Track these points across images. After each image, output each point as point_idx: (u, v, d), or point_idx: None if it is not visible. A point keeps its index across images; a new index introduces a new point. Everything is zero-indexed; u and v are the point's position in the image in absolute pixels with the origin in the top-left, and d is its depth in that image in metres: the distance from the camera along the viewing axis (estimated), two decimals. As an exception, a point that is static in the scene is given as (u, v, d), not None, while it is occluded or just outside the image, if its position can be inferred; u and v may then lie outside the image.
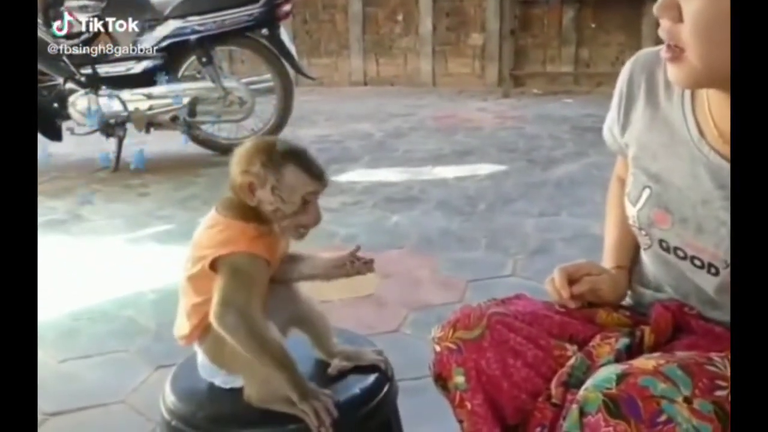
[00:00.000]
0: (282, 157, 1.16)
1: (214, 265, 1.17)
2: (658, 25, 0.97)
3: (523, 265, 2.69)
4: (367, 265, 1.34)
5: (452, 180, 3.86)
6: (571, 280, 1.18)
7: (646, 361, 0.96)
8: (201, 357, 1.26)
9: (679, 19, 0.90)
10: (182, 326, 1.25)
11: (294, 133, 4.77)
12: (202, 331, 1.22)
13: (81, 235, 3.15)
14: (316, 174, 1.19)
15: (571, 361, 1.08)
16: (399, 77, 6.59)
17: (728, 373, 0.95)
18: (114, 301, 2.46)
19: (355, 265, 1.33)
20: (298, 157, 1.18)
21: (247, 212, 1.18)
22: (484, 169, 4.05)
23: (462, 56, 6.45)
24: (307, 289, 2.63)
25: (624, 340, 1.10)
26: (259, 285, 1.19)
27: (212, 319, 1.15)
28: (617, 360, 1.06)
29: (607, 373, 0.93)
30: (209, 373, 1.24)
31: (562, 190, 3.57)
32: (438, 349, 1.13)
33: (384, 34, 6.53)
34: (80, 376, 1.98)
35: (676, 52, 0.93)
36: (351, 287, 2.57)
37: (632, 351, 1.09)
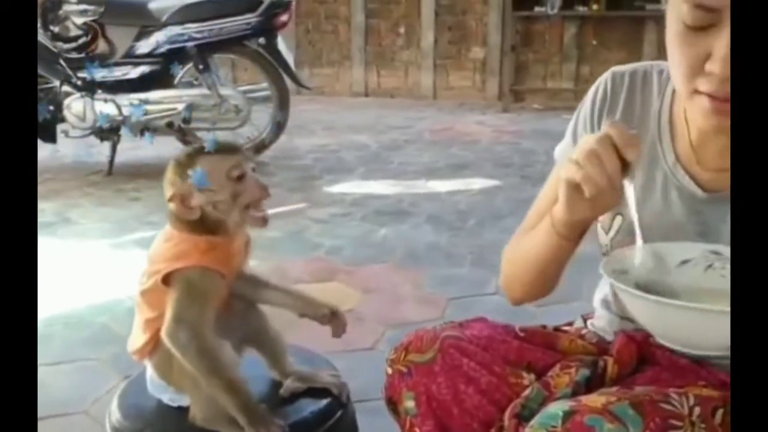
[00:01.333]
0: (190, 157, 1.16)
1: (167, 280, 1.16)
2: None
3: (507, 284, 2.66)
4: (340, 327, 1.34)
5: (444, 194, 3.84)
6: None
7: (596, 398, 0.93)
8: (150, 372, 1.24)
9: None
10: (136, 341, 1.24)
11: (291, 142, 4.78)
12: (153, 346, 1.20)
13: (67, 239, 3.14)
14: (226, 149, 1.18)
15: (527, 392, 1.04)
16: (400, 89, 6.59)
17: (684, 411, 0.91)
18: (90, 307, 2.45)
19: (330, 320, 1.33)
20: (203, 148, 1.18)
21: (197, 225, 1.16)
22: (477, 183, 4.03)
23: (463, 70, 6.44)
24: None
25: (584, 371, 1.06)
26: (212, 300, 1.17)
27: (164, 335, 1.14)
28: (575, 392, 1.03)
29: (554, 409, 0.90)
30: (157, 389, 1.23)
31: (553, 208, 3.54)
32: (390, 371, 1.10)
33: (386, 46, 6.54)
34: (46, 384, 1.96)
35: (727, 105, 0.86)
36: (332, 301, 2.54)
37: (593, 382, 1.06)
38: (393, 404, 1.11)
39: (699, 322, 0.83)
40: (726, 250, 0.92)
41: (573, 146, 1.14)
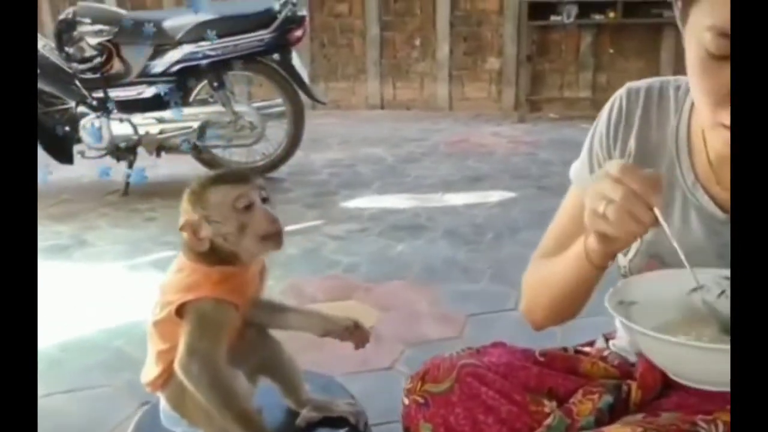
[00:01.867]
0: (201, 186, 1.14)
1: (180, 312, 1.13)
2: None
3: (527, 300, 2.62)
4: (363, 337, 1.31)
5: (461, 207, 3.80)
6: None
7: (621, 429, 0.90)
8: (163, 404, 1.22)
9: None
10: (149, 372, 1.22)
11: (307, 157, 4.77)
12: (167, 378, 1.18)
13: (82, 261, 3.13)
14: (234, 179, 1.16)
15: (549, 420, 1.01)
16: (415, 101, 6.57)
17: None
18: (105, 331, 2.43)
19: (352, 334, 1.30)
20: (216, 176, 1.16)
21: (209, 255, 1.14)
22: (494, 196, 3.98)
23: (479, 81, 6.41)
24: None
25: (607, 398, 1.03)
26: (225, 331, 1.15)
27: (177, 367, 1.12)
28: (598, 420, 1.00)
29: (578, 441, 0.88)
30: (171, 421, 1.20)
31: (573, 219, 3.48)
32: (406, 401, 1.08)
33: (401, 59, 6.52)
34: (62, 412, 1.94)
35: None
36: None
37: (616, 408, 1.03)
38: None
39: (709, 359, 0.79)
40: None
41: (588, 166, 1.11)
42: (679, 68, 0.88)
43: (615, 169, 0.84)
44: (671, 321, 0.90)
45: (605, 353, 1.17)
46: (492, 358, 1.09)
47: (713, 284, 0.92)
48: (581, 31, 6.07)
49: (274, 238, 1.15)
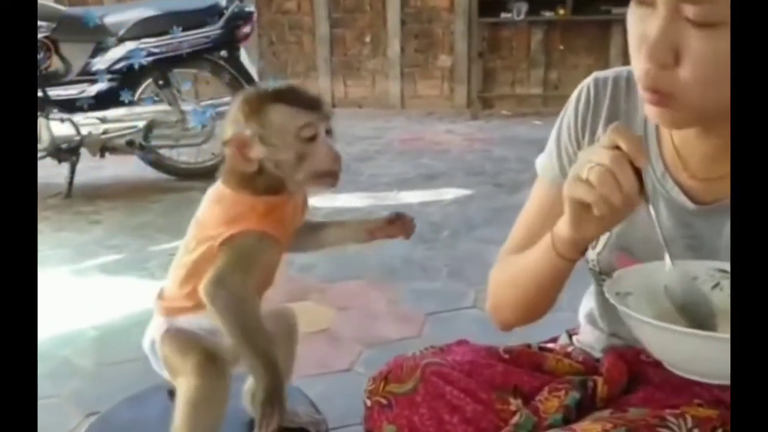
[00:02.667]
0: (262, 99, 1.04)
1: (221, 246, 1.06)
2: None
3: (485, 296, 2.57)
4: (408, 226, 1.22)
5: (417, 205, 3.76)
6: None
7: (591, 426, 0.88)
8: (156, 327, 1.16)
9: (674, 63, 0.79)
10: (173, 293, 1.14)
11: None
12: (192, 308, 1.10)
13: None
14: (305, 103, 1.06)
15: (516, 418, 0.98)
16: (367, 99, 6.53)
17: None
18: (50, 340, 2.31)
19: (396, 225, 1.21)
20: (280, 93, 1.05)
21: (254, 182, 1.05)
22: (450, 193, 3.96)
23: (430, 78, 6.40)
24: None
25: (574, 394, 1.00)
26: (260, 268, 1.08)
27: (202, 293, 1.04)
28: (565, 417, 0.97)
29: (548, 439, 0.84)
30: (152, 353, 1.15)
31: (528, 215, 3.47)
32: (368, 403, 1.04)
33: (352, 56, 6.47)
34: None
35: (664, 97, 0.82)
36: (306, 321, 2.45)
37: (583, 405, 1.00)
38: None
39: (712, 349, 0.76)
40: (729, 267, 0.87)
41: (557, 157, 1.08)
42: (628, 64, 0.86)
43: (608, 132, 0.80)
44: (665, 310, 0.86)
45: (569, 349, 1.16)
46: (456, 356, 1.06)
47: (707, 276, 0.89)
48: (531, 28, 6.11)
49: (331, 176, 1.07)
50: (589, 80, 1.05)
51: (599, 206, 0.80)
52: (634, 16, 0.83)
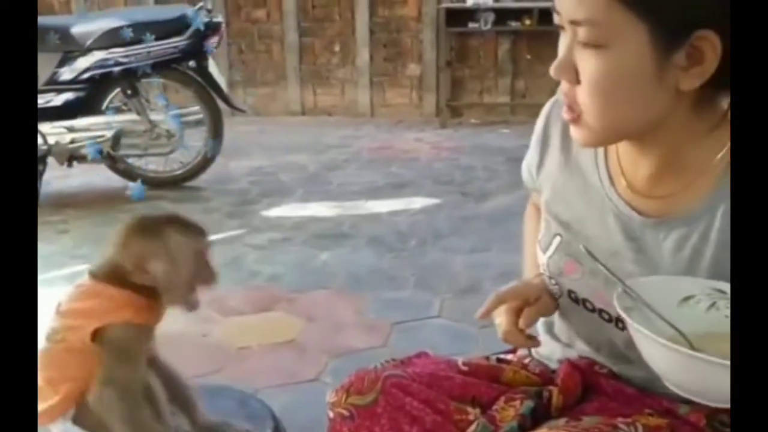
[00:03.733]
0: (158, 225, 1.12)
1: (94, 337, 1.09)
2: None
3: (451, 306, 2.64)
4: None
5: (385, 215, 3.80)
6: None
7: None
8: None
9: (576, 80, 0.87)
10: (46, 400, 1.15)
11: (226, 165, 4.67)
12: (64, 408, 1.12)
13: None
14: (197, 231, 1.15)
15: (473, 427, 1.01)
16: (337, 107, 6.55)
17: None
18: (15, 352, 2.31)
19: None
20: (174, 219, 1.15)
21: (136, 285, 1.11)
22: (418, 202, 4.00)
23: (399, 87, 6.44)
24: (225, 333, 2.53)
25: (529, 403, 1.04)
26: (143, 358, 1.12)
27: (90, 400, 1.07)
28: (520, 425, 1.01)
29: (505, 444, 0.88)
30: None
31: (494, 224, 3.53)
32: (331, 415, 1.06)
33: (321, 65, 6.49)
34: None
35: (575, 113, 0.90)
36: (272, 332, 2.48)
37: (538, 413, 1.04)
38: None
39: (715, 373, 0.75)
40: (727, 287, 0.86)
41: (534, 163, 1.14)
42: None
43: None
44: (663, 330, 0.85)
45: (526, 360, 1.19)
46: (416, 368, 1.09)
47: (704, 296, 0.89)
48: (499, 38, 6.18)
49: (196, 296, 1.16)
50: (550, 101, 1.12)
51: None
52: (559, 41, 0.91)
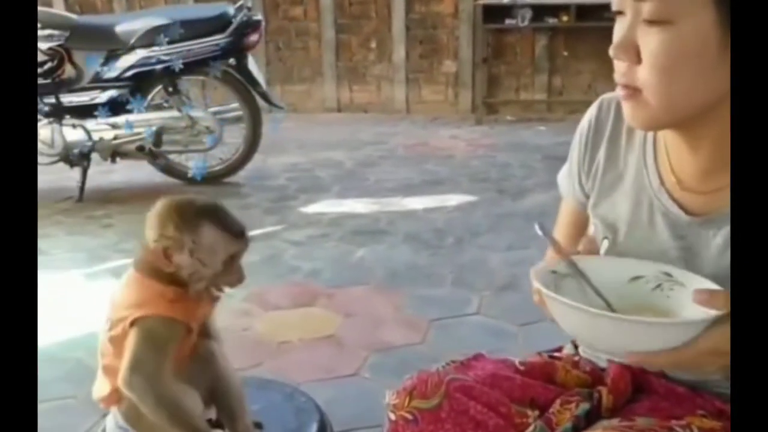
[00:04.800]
0: (197, 215, 1.11)
1: (132, 326, 1.12)
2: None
3: (489, 303, 2.64)
4: None
5: (421, 211, 3.81)
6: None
7: None
8: (112, 421, 1.19)
9: (637, 60, 0.88)
10: (101, 388, 1.19)
11: (264, 162, 4.73)
12: (121, 394, 1.16)
13: (38, 270, 3.05)
14: (236, 232, 1.14)
15: (530, 430, 1.02)
16: (373, 104, 6.57)
17: None
18: (64, 343, 2.38)
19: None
20: (214, 214, 1.13)
21: (165, 274, 1.12)
22: (454, 199, 4.00)
23: (435, 84, 6.44)
24: (265, 328, 2.56)
25: (584, 405, 1.05)
26: (172, 350, 1.13)
27: (120, 383, 1.10)
28: (576, 427, 1.02)
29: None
30: None
31: (531, 221, 3.48)
32: (393, 417, 1.06)
33: (357, 62, 6.51)
34: (20, 428, 1.89)
35: (633, 92, 0.91)
36: (311, 327, 2.51)
37: (590, 414, 1.05)
38: None
39: (618, 329, 0.85)
40: (677, 272, 0.95)
41: (568, 176, 1.16)
42: None
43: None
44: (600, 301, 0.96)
45: (576, 359, 1.19)
46: (477, 371, 1.09)
47: (652, 277, 0.98)
48: (536, 34, 6.15)
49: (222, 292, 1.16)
50: (595, 103, 1.12)
51: None
52: (615, 26, 0.92)
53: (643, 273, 0.99)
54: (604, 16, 5.64)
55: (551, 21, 5.88)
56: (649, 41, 0.86)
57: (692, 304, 0.87)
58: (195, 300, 1.15)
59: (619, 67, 0.91)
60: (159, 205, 1.14)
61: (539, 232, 1.03)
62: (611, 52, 0.91)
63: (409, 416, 1.04)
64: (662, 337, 0.84)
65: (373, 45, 6.45)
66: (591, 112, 1.12)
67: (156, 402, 1.08)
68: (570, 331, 0.93)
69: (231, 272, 1.14)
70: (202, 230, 1.10)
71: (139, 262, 1.15)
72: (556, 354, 1.22)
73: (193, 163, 4.31)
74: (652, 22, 0.86)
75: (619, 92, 0.93)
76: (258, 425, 1.25)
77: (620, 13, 0.90)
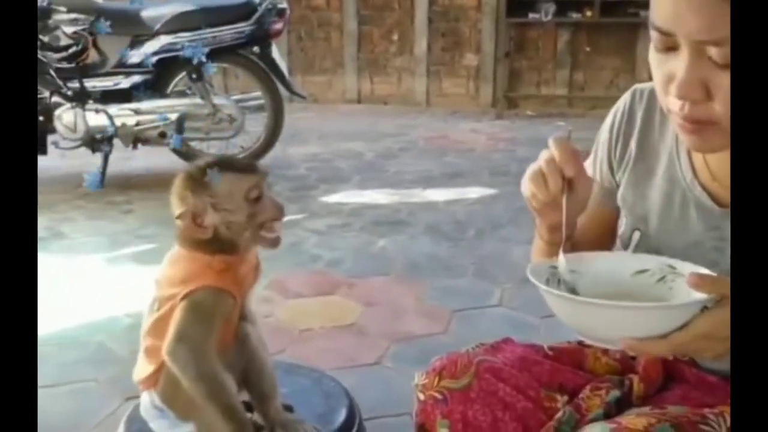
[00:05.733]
0: (204, 173, 1.11)
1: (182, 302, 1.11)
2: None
3: (511, 295, 2.63)
4: None
5: (441, 203, 3.80)
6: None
7: (636, 420, 0.91)
8: (147, 398, 1.19)
9: (707, 97, 0.83)
10: (143, 370, 1.19)
11: (285, 151, 4.73)
12: (159, 375, 1.15)
13: (59, 254, 3.07)
14: (245, 168, 1.14)
15: (559, 414, 1.02)
16: (393, 96, 6.56)
17: None
18: (86, 326, 2.38)
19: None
20: (220, 164, 1.13)
21: (208, 244, 1.11)
22: (474, 192, 3.99)
23: (456, 77, 6.42)
24: (287, 315, 2.55)
25: (615, 393, 1.04)
26: (219, 323, 1.13)
27: (164, 353, 1.09)
28: (607, 414, 1.01)
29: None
30: (153, 414, 1.17)
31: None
32: (422, 397, 1.06)
33: (379, 53, 6.51)
34: (43, 408, 1.88)
35: (704, 126, 0.87)
36: (333, 315, 2.51)
37: (621, 402, 1.04)
38: (425, 431, 1.06)
39: (607, 316, 0.86)
40: (681, 264, 0.95)
41: (593, 163, 1.15)
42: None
43: (553, 138, 0.96)
44: (602, 294, 0.95)
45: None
46: (506, 353, 1.09)
47: (657, 270, 0.97)
48: (558, 29, 6.11)
49: (275, 226, 1.14)
50: (627, 93, 1.11)
51: (531, 201, 0.98)
52: (656, 58, 0.87)
53: (648, 266, 0.98)
54: (628, 12, 5.62)
55: (575, 16, 5.85)
56: (724, 82, 0.81)
57: (693, 294, 0.86)
58: (241, 267, 1.14)
59: (682, 106, 0.86)
60: (175, 182, 1.14)
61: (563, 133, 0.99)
62: (677, 93, 0.84)
63: (439, 396, 1.03)
64: (652, 322, 0.84)
65: (395, 37, 6.44)
66: (624, 101, 1.10)
67: (197, 375, 1.08)
68: (567, 322, 0.92)
69: (263, 207, 1.13)
70: (212, 182, 1.10)
71: (180, 238, 1.15)
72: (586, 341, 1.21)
73: (214, 151, 4.31)
74: (725, 65, 0.80)
75: (680, 123, 0.88)
76: (288, 408, 1.24)
77: (665, 34, 0.84)
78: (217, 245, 1.11)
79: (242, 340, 1.21)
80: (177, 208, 1.12)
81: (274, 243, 1.15)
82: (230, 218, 1.10)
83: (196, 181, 1.12)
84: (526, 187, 0.97)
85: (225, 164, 1.14)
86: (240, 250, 1.13)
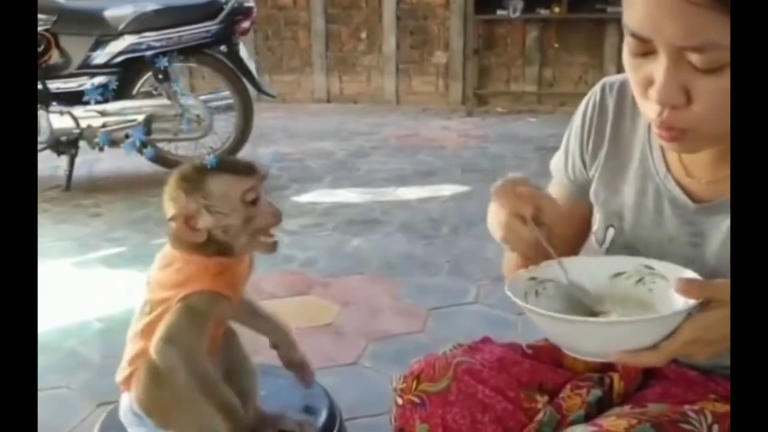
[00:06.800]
0: (200, 172, 1.07)
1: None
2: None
3: (487, 292, 2.63)
4: (309, 376, 1.28)
5: (415, 201, 3.79)
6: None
7: (617, 422, 0.90)
8: (126, 402, 1.16)
9: (686, 102, 0.82)
10: (126, 371, 1.15)
11: (254, 151, 4.67)
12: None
13: (26, 260, 2.99)
14: (243, 170, 1.10)
15: (540, 416, 1.01)
16: (362, 95, 6.54)
17: (704, 430, 0.90)
18: (56, 331, 2.33)
19: (298, 368, 1.24)
20: (217, 164, 1.09)
21: (203, 246, 1.08)
22: (447, 190, 3.98)
23: (426, 74, 6.41)
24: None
25: (596, 392, 1.04)
26: (211, 325, 1.10)
27: (153, 353, 1.06)
28: (588, 414, 1.01)
29: (576, 435, 0.87)
30: (133, 421, 1.14)
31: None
32: (400, 402, 1.04)
33: (347, 52, 6.48)
34: (13, 417, 1.85)
35: (681, 132, 0.86)
36: (309, 316, 2.48)
37: (603, 402, 1.03)
38: None
39: (583, 331, 0.85)
40: (658, 265, 0.94)
41: (564, 159, 1.13)
42: (622, 63, 0.89)
43: (494, 191, 0.95)
44: (584, 301, 0.95)
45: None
46: (484, 354, 1.07)
47: (634, 272, 0.96)
48: (527, 26, 6.14)
49: (272, 231, 1.11)
50: (597, 86, 1.09)
51: (510, 247, 0.96)
52: (632, 63, 0.86)
53: (625, 269, 0.97)
54: (596, 7, 5.66)
55: (543, 12, 5.88)
56: (705, 86, 0.80)
57: (674, 295, 0.85)
58: (237, 269, 1.11)
59: (660, 111, 0.84)
60: (168, 182, 1.10)
61: None
62: (657, 98, 0.83)
63: (417, 400, 1.02)
64: (642, 334, 0.83)
65: (363, 35, 6.42)
66: (594, 95, 1.08)
67: (190, 375, 1.05)
68: (552, 339, 0.92)
69: (260, 212, 1.09)
70: (207, 183, 1.07)
71: (173, 240, 1.11)
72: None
73: (182, 152, 4.25)
74: (706, 70, 0.79)
75: (657, 131, 0.87)
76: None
77: (642, 40, 0.82)
78: (212, 247, 1.08)
79: (229, 337, 1.18)
80: (169, 210, 1.08)
81: (272, 248, 1.13)
82: (225, 221, 1.06)
83: (190, 182, 1.07)
84: (497, 235, 0.95)
85: (221, 164, 1.09)
86: (235, 253, 1.10)
